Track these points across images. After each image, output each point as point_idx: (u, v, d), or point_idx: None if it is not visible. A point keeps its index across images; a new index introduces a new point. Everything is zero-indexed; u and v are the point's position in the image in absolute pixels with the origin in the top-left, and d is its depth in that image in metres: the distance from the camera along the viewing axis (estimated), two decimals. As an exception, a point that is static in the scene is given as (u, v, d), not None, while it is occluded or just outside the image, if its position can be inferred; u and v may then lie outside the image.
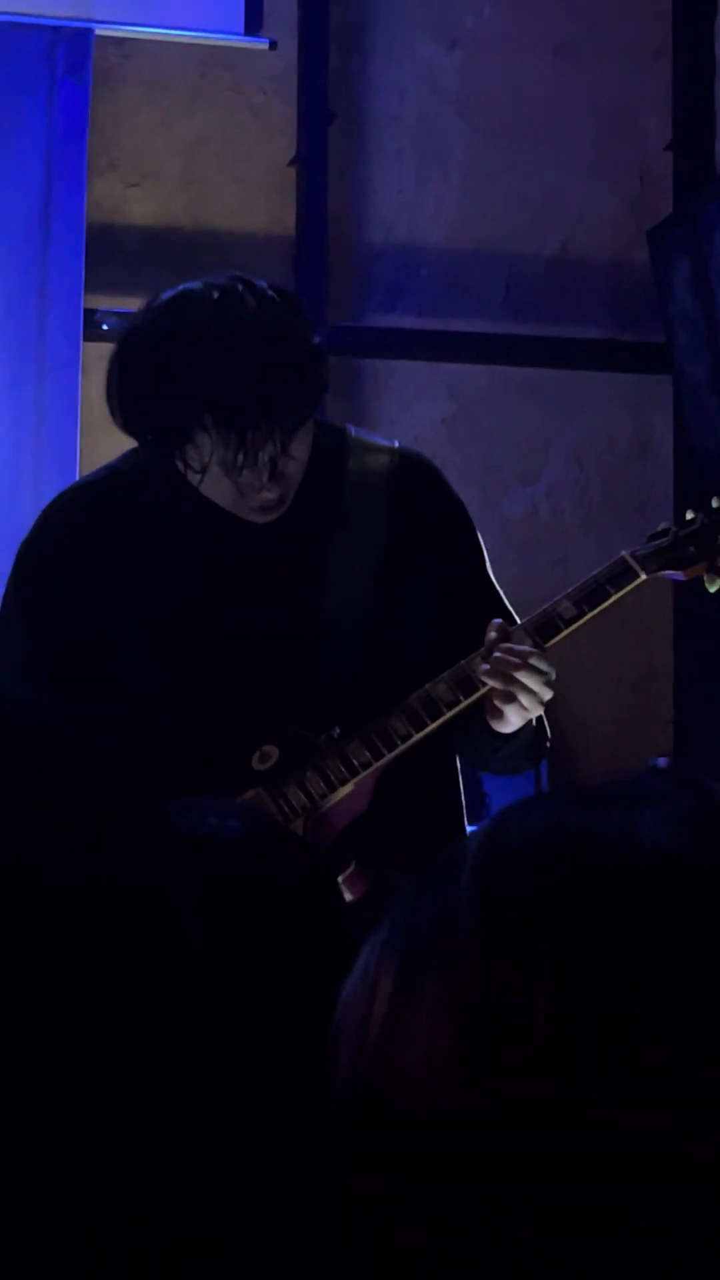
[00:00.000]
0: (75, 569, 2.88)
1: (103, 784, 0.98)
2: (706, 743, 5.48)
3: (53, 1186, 0.91)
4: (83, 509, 2.92)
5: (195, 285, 2.73)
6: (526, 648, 2.79)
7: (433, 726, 2.83)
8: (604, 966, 0.80)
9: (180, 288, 2.74)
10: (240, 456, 2.67)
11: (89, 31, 5.11)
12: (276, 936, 1.02)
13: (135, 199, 5.39)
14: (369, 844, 2.84)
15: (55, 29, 5.07)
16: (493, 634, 2.81)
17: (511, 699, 2.78)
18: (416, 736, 2.83)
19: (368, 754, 2.83)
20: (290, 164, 5.46)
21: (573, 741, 5.37)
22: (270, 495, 2.75)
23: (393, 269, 5.58)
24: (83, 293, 5.07)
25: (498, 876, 0.84)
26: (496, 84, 5.64)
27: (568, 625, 2.84)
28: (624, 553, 2.90)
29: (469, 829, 2.99)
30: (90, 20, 5.11)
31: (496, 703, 2.79)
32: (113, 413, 2.74)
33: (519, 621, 2.87)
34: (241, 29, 5.23)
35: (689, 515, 2.93)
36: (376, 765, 2.83)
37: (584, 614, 2.85)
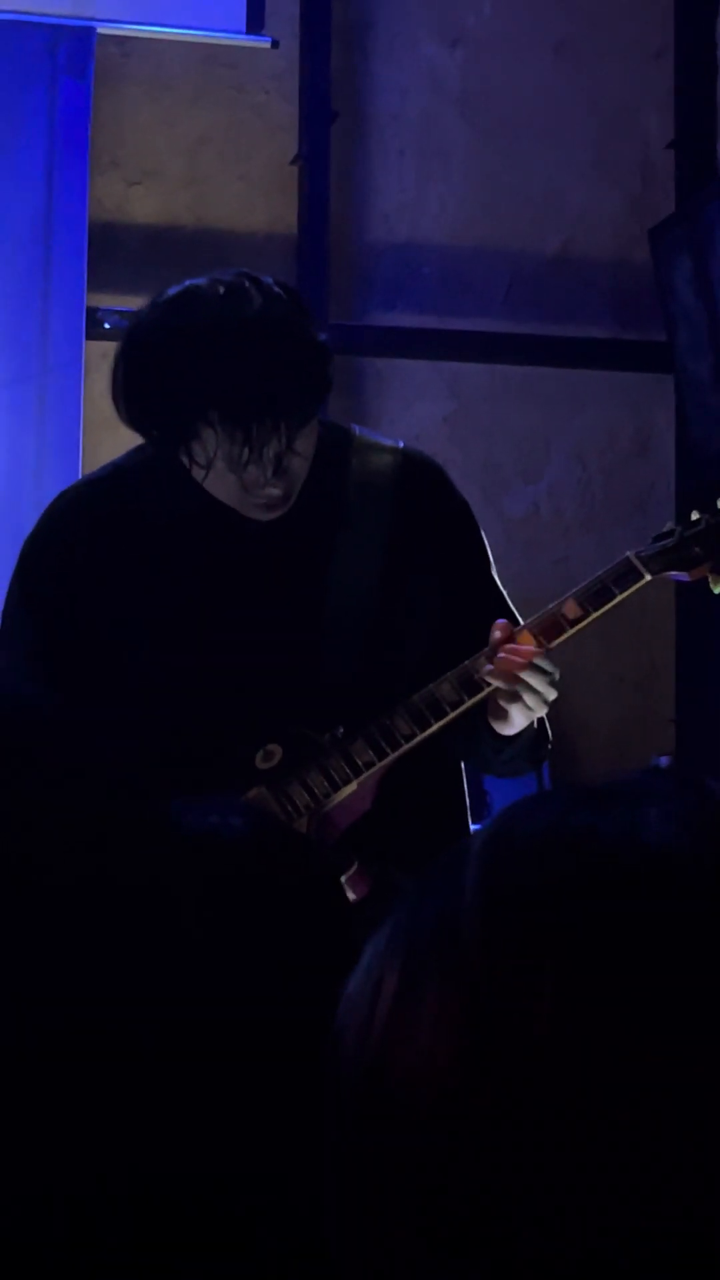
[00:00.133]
0: (79, 566, 2.88)
1: (104, 783, 0.98)
2: (708, 742, 5.48)
3: (53, 1186, 0.91)
4: (86, 506, 2.92)
5: (201, 281, 2.73)
6: (531, 647, 2.79)
7: (436, 726, 2.82)
8: (607, 965, 0.80)
9: (186, 284, 2.74)
10: (246, 452, 2.67)
11: (91, 30, 5.11)
12: (279, 935, 1.02)
13: (137, 197, 5.39)
14: (372, 843, 2.84)
15: (57, 27, 5.07)
16: (497, 634, 2.80)
17: (516, 699, 2.78)
18: (420, 736, 2.83)
19: (371, 753, 2.83)
20: (292, 163, 5.46)
21: (574, 741, 5.37)
22: (275, 491, 2.75)
23: (394, 267, 5.58)
24: (85, 291, 5.07)
25: (501, 875, 0.84)
26: (498, 83, 5.64)
27: (572, 626, 2.84)
28: (629, 553, 2.89)
29: (472, 828, 2.99)
30: (92, 19, 5.10)
31: (501, 702, 2.79)
32: (118, 409, 2.74)
33: (522, 621, 2.87)
34: (243, 28, 5.23)
35: (694, 516, 2.92)
36: (380, 765, 2.83)
37: (588, 614, 2.85)
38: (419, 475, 2.96)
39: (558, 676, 2.81)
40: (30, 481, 4.94)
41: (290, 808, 2.82)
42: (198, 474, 2.74)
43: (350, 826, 2.85)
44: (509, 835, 0.86)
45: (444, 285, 5.61)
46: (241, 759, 2.83)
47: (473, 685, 2.81)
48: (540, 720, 2.88)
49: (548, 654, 2.80)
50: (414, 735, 2.83)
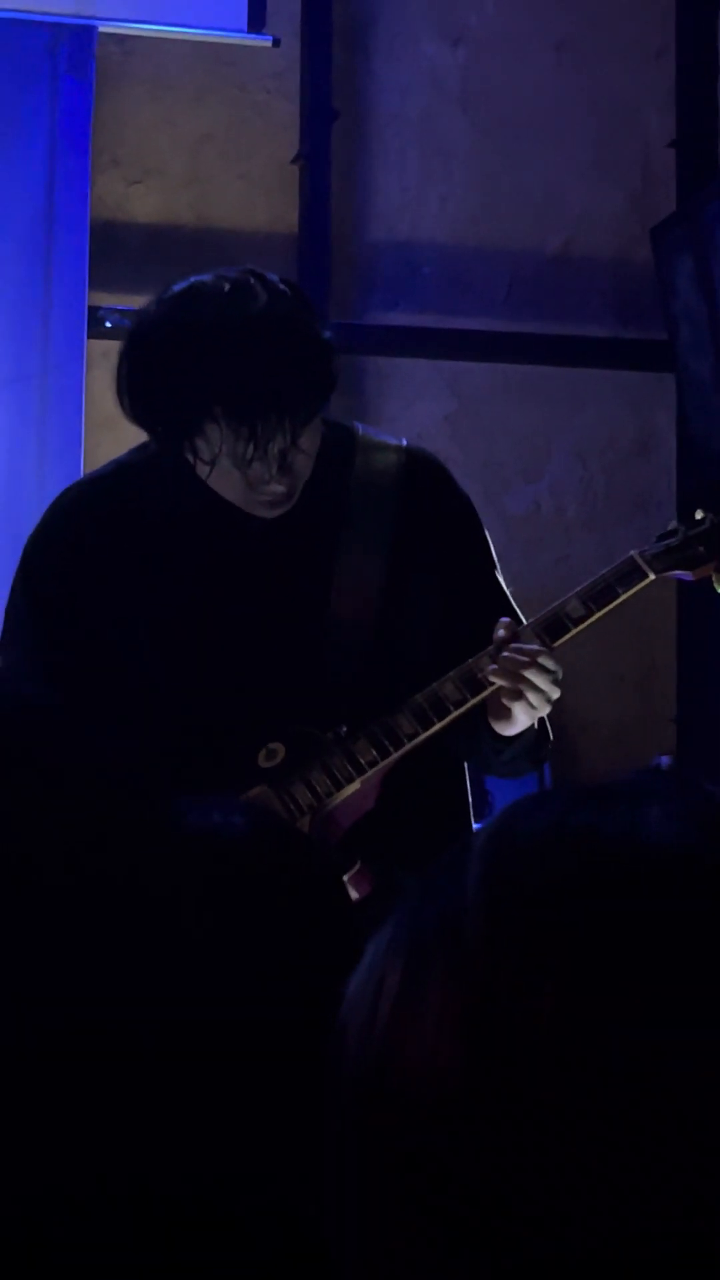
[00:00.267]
0: (82, 565, 2.88)
1: (105, 783, 0.98)
2: (709, 741, 5.48)
3: (53, 1186, 0.91)
4: (90, 504, 2.92)
5: (206, 277, 2.73)
6: (535, 646, 2.79)
7: (439, 725, 2.82)
8: (610, 964, 0.80)
9: (191, 280, 2.74)
10: (250, 449, 2.67)
11: (92, 29, 5.11)
12: (281, 934, 1.02)
13: (138, 196, 5.39)
14: (375, 843, 2.84)
15: (57, 26, 5.07)
16: (500, 633, 2.80)
17: (519, 697, 2.77)
18: (423, 735, 2.83)
19: (374, 752, 2.83)
20: (293, 161, 5.46)
21: (575, 740, 5.37)
22: (279, 488, 2.75)
23: (395, 266, 5.58)
24: (86, 290, 5.07)
25: (504, 873, 0.84)
26: (499, 82, 5.64)
27: (575, 625, 2.84)
28: (633, 552, 2.89)
29: (474, 828, 2.99)
30: (93, 17, 5.10)
31: (504, 701, 2.79)
32: (122, 405, 2.74)
33: (525, 621, 2.87)
34: (245, 26, 5.22)
35: (698, 515, 2.92)
36: (383, 764, 2.83)
37: (592, 614, 2.85)
38: (422, 473, 2.96)
39: (561, 675, 2.81)
40: (31, 480, 4.94)
41: (293, 806, 2.82)
42: (202, 470, 2.73)
43: (353, 825, 2.85)
44: (511, 834, 0.86)
45: (445, 284, 5.61)
46: (244, 757, 2.83)
47: (476, 684, 2.81)
48: (541, 720, 2.88)
49: (552, 652, 2.80)
50: (417, 734, 2.83)
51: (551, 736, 2.96)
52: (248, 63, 5.41)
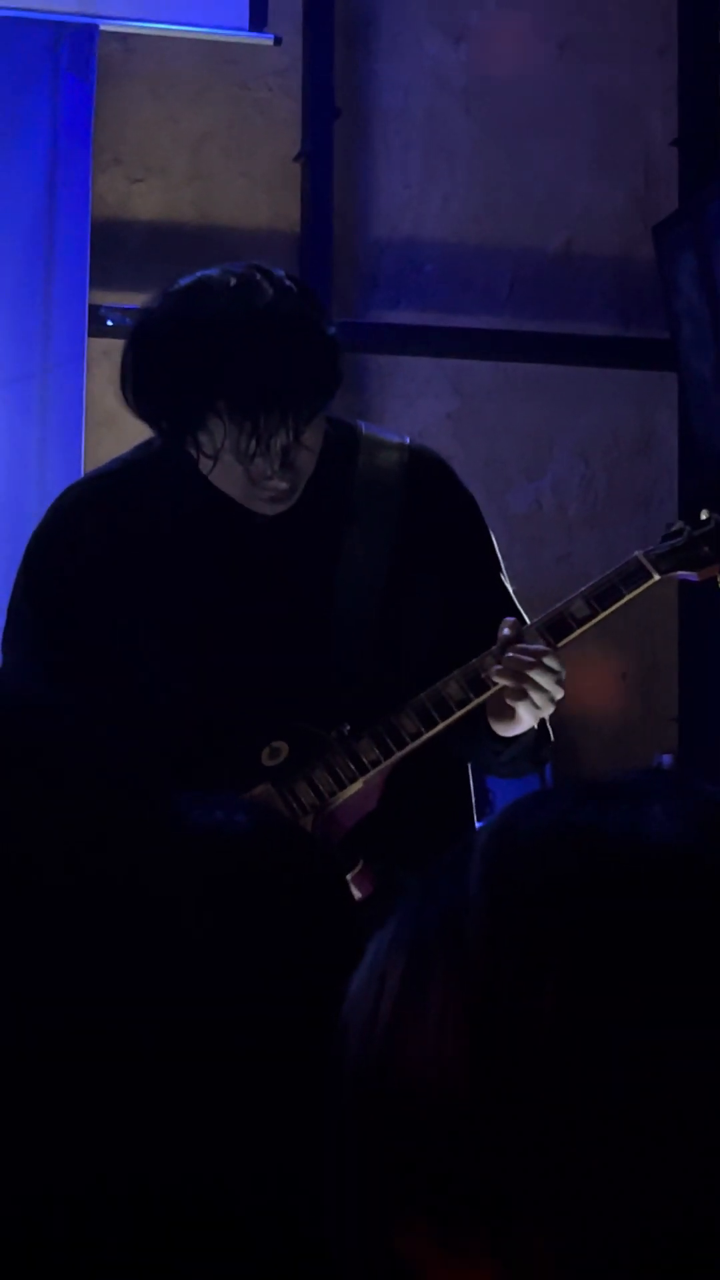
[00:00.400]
0: (84, 563, 2.87)
1: (106, 782, 0.98)
2: (710, 740, 5.48)
3: (53, 1186, 0.91)
4: (92, 502, 2.92)
5: (213, 272, 2.73)
6: (540, 646, 2.78)
7: (443, 725, 2.82)
8: (611, 962, 0.80)
9: (198, 274, 2.74)
10: (253, 444, 2.67)
11: (93, 27, 5.11)
12: (283, 933, 1.02)
13: (140, 194, 5.39)
14: (377, 842, 2.83)
15: (59, 24, 5.07)
16: (505, 632, 2.80)
17: (523, 697, 2.77)
18: (426, 735, 2.82)
19: (377, 752, 2.82)
20: (295, 159, 5.46)
21: (577, 739, 5.37)
22: (281, 485, 2.75)
23: (397, 264, 5.58)
24: (87, 288, 5.07)
25: (506, 871, 0.84)
26: (501, 80, 5.64)
27: (580, 625, 2.83)
28: (637, 553, 2.88)
29: (477, 827, 2.98)
30: (95, 16, 5.10)
31: (508, 701, 2.78)
32: (125, 398, 2.74)
33: (528, 619, 2.87)
34: (246, 24, 5.23)
35: (703, 515, 2.91)
36: (386, 763, 2.83)
37: (596, 614, 2.84)
38: (426, 471, 2.95)
39: (564, 675, 2.81)
40: (33, 479, 4.94)
41: (296, 805, 2.81)
42: (204, 465, 2.73)
43: (355, 825, 2.85)
44: (512, 833, 0.86)
45: (447, 282, 5.61)
46: (248, 755, 2.83)
47: (480, 684, 2.80)
48: (542, 721, 2.87)
49: (557, 652, 2.80)
50: (420, 734, 2.82)
51: (552, 737, 2.95)
52: (249, 61, 5.40)
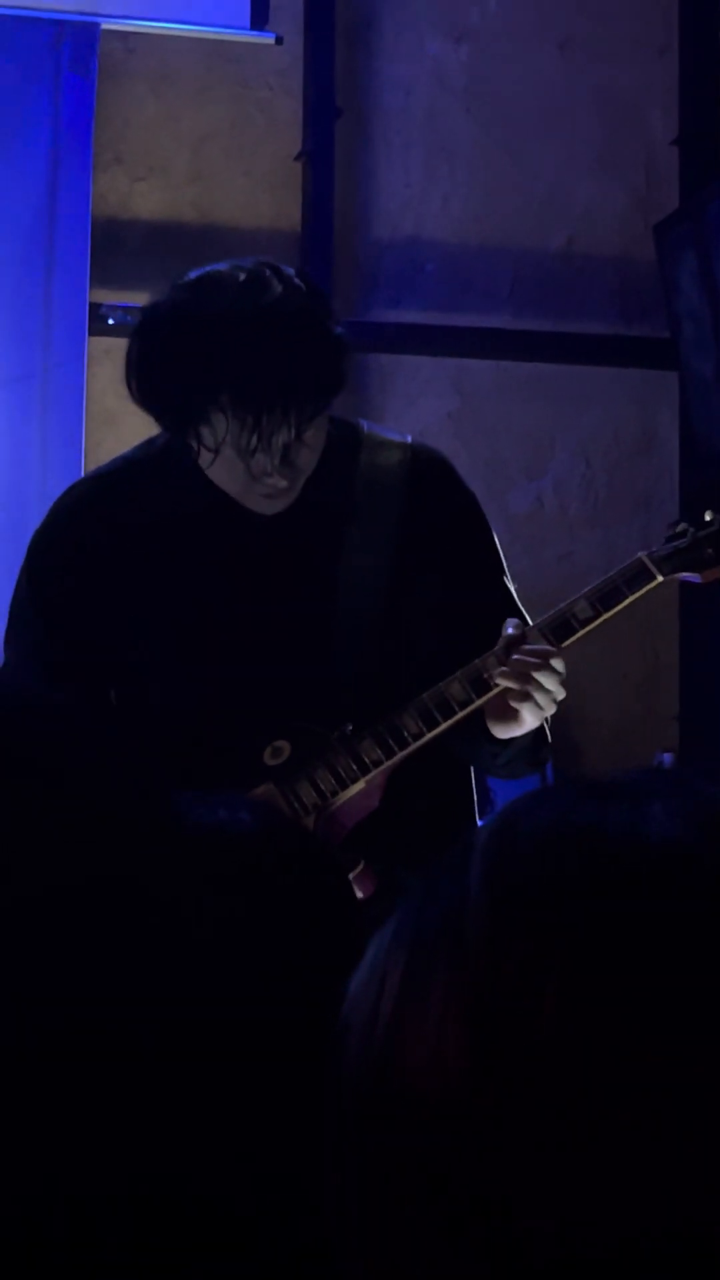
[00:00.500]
0: (86, 561, 2.87)
1: (106, 781, 0.98)
2: (712, 739, 5.48)
3: (53, 1186, 0.91)
4: (95, 500, 2.92)
5: (222, 266, 2.73)
6: (546, 647, 2.78)
7: (445, 725, 2.81)
8: (611, 962, 0.80)
9: (207, 268, 2.74)
10: (254, 439, 2.67)
11: (95, 26, 5.11)
12: (287, 932, 1.01)
13: (141, 193, 5.39)
14: (379, 842, 2.83)
15: (61, 23, 5.07)
16: (509, 633, 2.79)
17: (528, 699, 2.76)
18: (429, 735, 2.82)
19: (379, 752, 2.82)
20: (296, 159, 5.46)
21: (578, 738, 5.37)
22: (280, 482, 2.75)
23: (399, 264, 5.58)
24: (87, 287, 5.07)
25: (506, 870, 0.84)
26: (503, 79, 5.64)
27: (583, 626, 2.83)
28: (641, 554, 2.87)
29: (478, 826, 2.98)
30: (96, 14, 5.10)
31: (513, 703, 2.77)
32: (129, 388, 2.73)
33: (528, 618, 2.86)
34: (248, 23, 5.23)
35: (707, 517, 2.90)
36: (388, 763, 2.82)
37: (600, 615, 2.84)
38: (428, 470, 2.95)
39: (564, 675, 2.81)
40: (33, 477, 4.94)
41: (297, 805, 2.81)
42: (205, 459, 2.73)
43: (357, 825, 2.85)
44: (512, 832, 0.86)
45: (448, 281, 5.61)
46: (250, 755, 2.83)
47: (482, 684, 2.80)
48: (541, 723, 2.87)
49: (561, 653, 2.79)
50: (422, 734, 2.82)
51: (550, 739, 2.95)
52: (251, 60, 5.41)
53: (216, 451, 2.70)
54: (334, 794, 2.82)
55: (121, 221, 5.33)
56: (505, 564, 2.99)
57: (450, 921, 0.84)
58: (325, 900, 1.06)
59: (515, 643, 2.78)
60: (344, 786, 2.82)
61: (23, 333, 5.01)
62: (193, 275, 2.74)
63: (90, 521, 2.90)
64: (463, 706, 2.81)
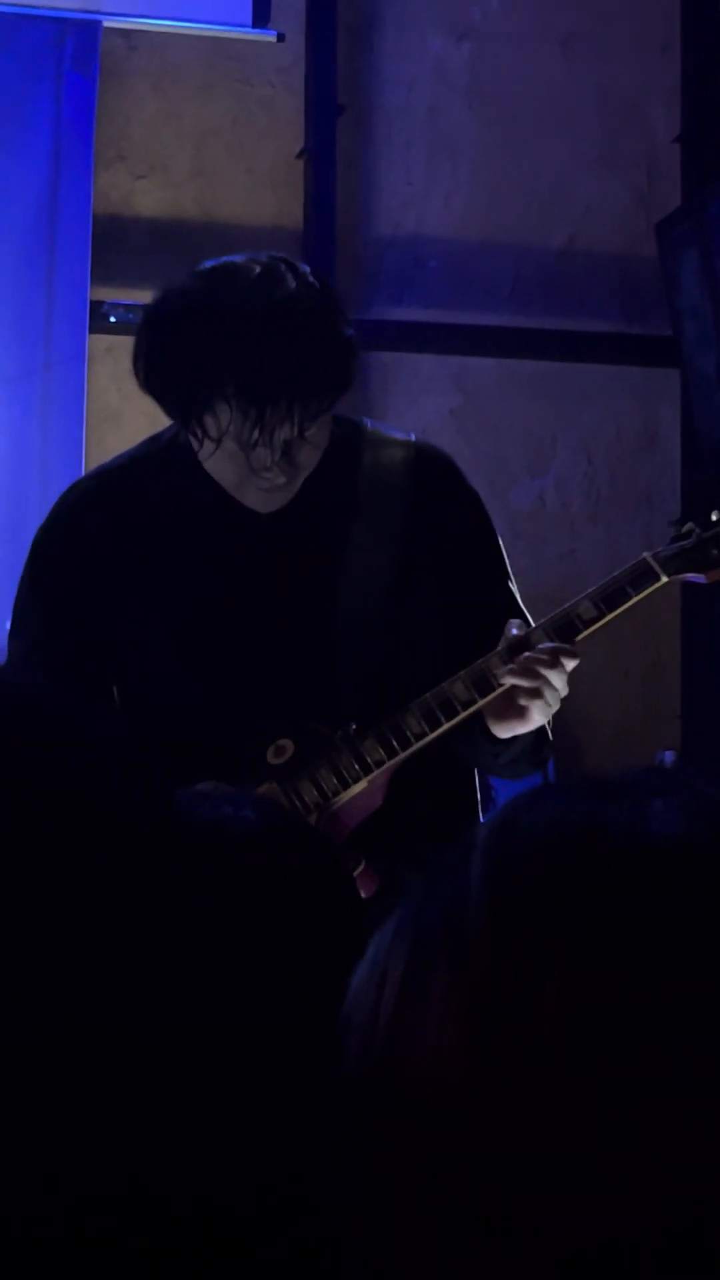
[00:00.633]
0: (90, 557, 2.87)
1: (107, 778, 0.98)
2: (714, 737, 5.48)
3: (54, 1187, 0.90)
4: (99, 496, 2.91)
5: (238, 258, 2.73)
6: (560, 645, 2.77)
7: (448, 725, 2.81)
8: (613, 959, 0.80)
9: (223, 259, 2.74)
10: (256, 432, 2.66)
11: (96, 23, 5.11)
12: (290, 929, 1.01)
13: (143, 191, 5.39)
14: (381, 842, 2.83)
15: (62, 21, 5.07)
16: (512, 634, 2.79)
17: (539, 696, 2.76)
18: (431, 735, 2.81)
19: (382, 752, 2.81)
20: (298, 156, 5.46)
21: (580, 736, 5.37)
22: (279, 478, 2.75)
23: (400, 261, 5.57)
24: (89, 285, 5.07)
25: (507, 868, 0.84)
26: (505, 77, 5.64)
27: (587, 626, 2.82)
28: (646, 554, 2.87)
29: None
30: (97, 12, 5.10)
31: (522, 701, 2.77)
32: (136, 373, 2.73)
33: (531, 619, 2.86)
34: (249, 21, 5.23)
35: (714, 517, 2.89)
36: (390, 763, 2.82)
37: (603, 615, 2.83)
38: (432, 469, 2.95)
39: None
40: (34, 475, 4.94)
41: (300, 804, 2.81)
42: (206, 449, 2.73)
43: (359, 825, 2.84)
44: (512, 830, 0.86)
45: (450, 279, 5.61)
46: (253, 754, 2.82)
47: (485, 684, 2.79)
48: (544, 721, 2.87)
49: (571, 651, 2.79)
50: (425, 734, 2.81)
51: (551, 738, 2.94)
52: (252, 57, 5.40)
53: (218, 443, 2.70)
54: (336, 793, 2.82)
55: (123, 219, 5.33)
56: (508, 564, 2.98)
57: (451, 920, 0.84)
58: (328, 898, 1.05)
59: (518, 643, 2.78)
60: (346, 786, 2.82)
61: (24, 330, 5.01)
62: (207, 265, 2.75)
63: (93, 518, 2.90)
64: (466, 706, 2.80)
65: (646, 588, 2.85)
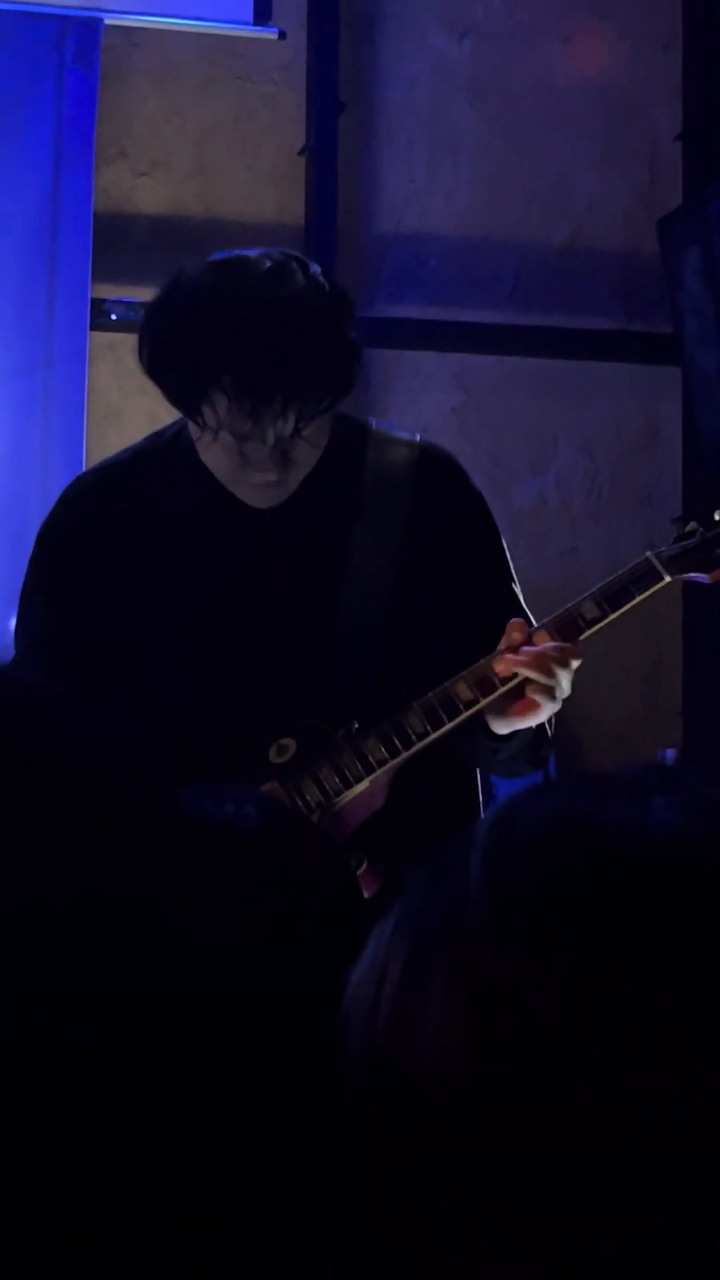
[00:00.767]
0: (93, 552, 2.87)
1: (107, 779, 0.98)
2: (715, 735, 5.48)
3: (54, 1187, 0.90)
4: (103, 492, 2.91)
5: (251, 252, 2.73)
6: (566, 644, 2.77)
7: (450, 725, 2.80)
8: (613, 951, 0.80)
9: (236, 251, 2.74)
10: (250, 426, 2.66)
11: (98, 21, 5.11)
12: (291, 928, 1.01)
13: (145, 188, 5.39)
14: (383, 842, 2.82)
15: (64, 18, 5.08)
16: (515, 634, 2.79)
17: (550, 692, 2.76)
18: (434, 735, 2.81)
19: (384, 751, 2.81)
20: (300, 153, 5.46)
21: (581, 734, 5.37)
22: (271, 475, 2.74)
23: (402, 259, 5.57)
24: (90, 282, 5.07)
25: (507, 863, 0.84)
26: (506, 74, 5.64)
27: (589, 626, 2.82)
28: (649, 554, 2.86)
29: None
30: (99, 9, 5.11)
31: (534, 697, 2.76)
32: (140, 358, 2.73)
33: (534, 621, 2.85)
34: (251, 18, 5.23)
35: (717, 516, 2.89)
36: (393, 762, 2.81)
37: (606, 615, 2.83)
38: (436, 469, 2.94)
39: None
40: (35, 473, 4.93)
41: (302, 803, 2.80)
42: (203, 439, 2.72)
43: (361, 824, 2.84)
44: (512, 826, 0.86)
45: (451, 276, 5.61)
46: (255, 752, 2.82)
47: (487, 684, 2.79)
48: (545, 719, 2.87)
49: (578, 650, 2.79)
50: (427, 733, 2.81)
51: (551, 736, 2.94)
52: (254, 54, 5.40)
53: (215, 433, 2.70)
54: (339, 793, 2.82)
55: (125, 216, 5.33)
56: (512, 564, 2.98)
57: (451, 918, 0.84)
58: (331, 896, 1.05)
59: (519, 643, 2.78)
60: (349, 785, 2.82)
61: (25, 327, 5.01)
62: (220, 255, 2.74)
63: (96, 513, 2.89)
64: (468, 706, 2.80)
65: (649, 587, 2.85)
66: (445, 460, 2.97)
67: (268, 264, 2.70)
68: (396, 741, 2.81)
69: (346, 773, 2.81)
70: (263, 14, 5.23)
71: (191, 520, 2.85)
